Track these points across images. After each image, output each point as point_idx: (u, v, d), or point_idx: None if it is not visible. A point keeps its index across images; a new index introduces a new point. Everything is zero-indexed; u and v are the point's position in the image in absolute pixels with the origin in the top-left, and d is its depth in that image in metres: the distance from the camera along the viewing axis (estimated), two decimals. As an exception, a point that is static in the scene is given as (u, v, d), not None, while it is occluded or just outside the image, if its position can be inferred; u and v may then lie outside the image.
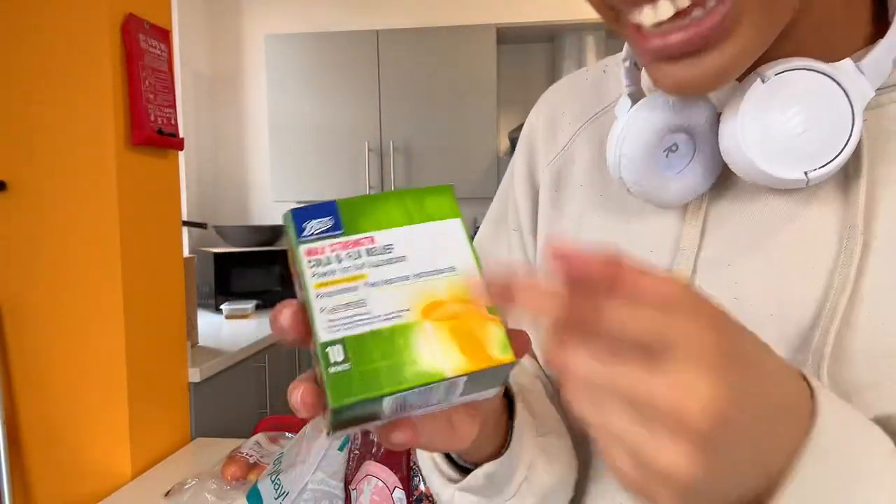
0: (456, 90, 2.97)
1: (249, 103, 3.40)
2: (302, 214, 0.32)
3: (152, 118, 1.46)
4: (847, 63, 0.36)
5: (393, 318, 0.30)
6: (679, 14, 0.34)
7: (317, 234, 0.31)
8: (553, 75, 3.17)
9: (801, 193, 0.40)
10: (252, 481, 1.28)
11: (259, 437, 1.45)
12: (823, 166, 0.36)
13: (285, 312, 0.30)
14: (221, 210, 3.44)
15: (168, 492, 1.31)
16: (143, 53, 1.44)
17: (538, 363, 0.53)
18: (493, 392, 0.34)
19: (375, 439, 1.00)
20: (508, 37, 3.12)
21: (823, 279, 0.38)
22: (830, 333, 0.36)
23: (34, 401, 1.46)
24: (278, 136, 3.07)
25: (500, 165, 3.26)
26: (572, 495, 0.48)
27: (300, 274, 0.31)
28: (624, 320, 0.25)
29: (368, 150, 3.03)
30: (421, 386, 0.29)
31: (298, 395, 0.29)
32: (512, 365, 0.30)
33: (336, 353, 0.29)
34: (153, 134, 1.45)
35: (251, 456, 1.36)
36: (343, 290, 0.30)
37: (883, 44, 0.36)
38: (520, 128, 2.90)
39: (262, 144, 3.39)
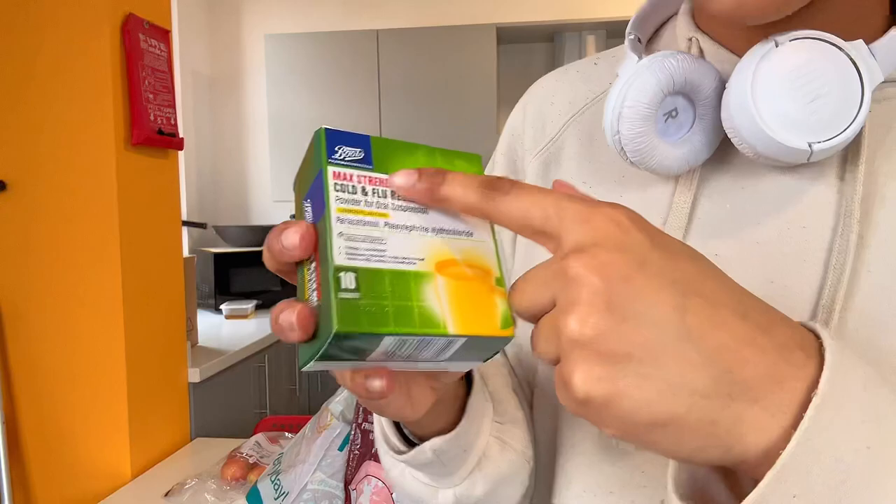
0: (456, 90, 2.97)
1: (249, 103, 3.40)
2: (335, 137, 0.31)
3: (152, 118, 1.46)
4: (860, 43, 0.35)
5: (408, 262, 0.30)
6: None
7: (347, 160, 0.31)
8: (553, 75, 3.18)
9: (799, 173, 0.39)
10: (252, 481, 1.28)
11: (259, 437, 1.45)
12: (829, 140, 0.35)
13: (294, 232, 0.29)
14: (221, 210, 3.44)
15: (168, 492, 1.31)
16: (142, 53, 1.44)
17: (505, 355, 0.53)
18: (474, 365, 0.34)
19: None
20: (508, 37, 3.12)
21: (819, 269, 0.37)
22: (833, 319, 0.36)
23: (34, 401, 1.46)
24: (278, 136, 3.07)
25: (500, 165, 3.26)
26: (528, 486, 0.48)
27: (324, 193, 0.30)
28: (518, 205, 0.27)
29: (368, 150, 3.03)
30: (423, 335, 0.28)
31: (294, 315, 0.28)
32: (508, 340, 0.30)
33: (348, 280, 0.28)
34: (153, 134, 1.45)
35: (251, 456, 1.36)
36: (364, 223, 0.30)
37: (894, 32, 0.36)
38: (520, 128, 2.91)
39: (262, 144, 3.39)
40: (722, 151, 0.42)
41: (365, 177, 0.31)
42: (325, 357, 0.29)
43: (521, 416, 0.47)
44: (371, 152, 0.31)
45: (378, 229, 0.30)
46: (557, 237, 0.26)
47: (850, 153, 0.38)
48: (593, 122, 0.50)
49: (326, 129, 0.31)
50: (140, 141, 1.43)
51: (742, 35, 0.41)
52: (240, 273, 2.87)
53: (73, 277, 1.42)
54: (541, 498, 0.49)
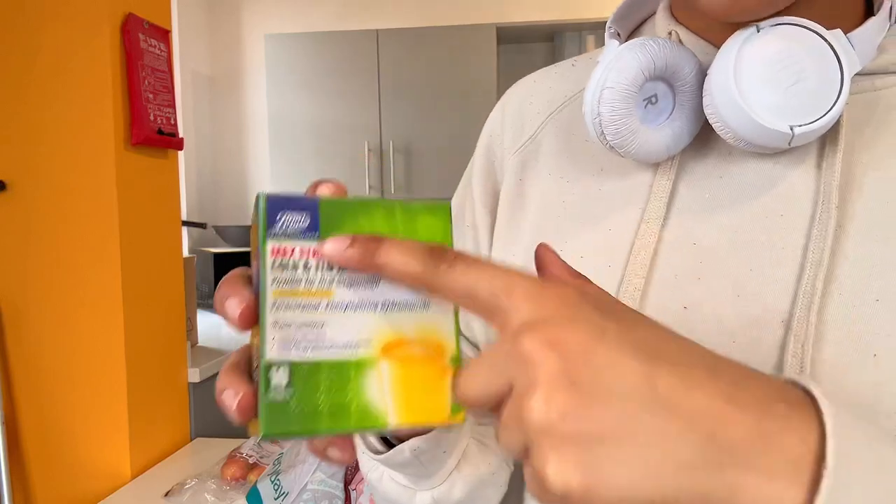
0: (456, 90, 2.97)
1: (249, 103, 3.40)
2: (277, 203, 0.28)
3: (152, 118, 1.46)
4: (838, 32, 0.36)
5: (349, 349, 0.27)
6: None
7: (290, 231, 0.28)
8: (553, 75, 3.18)
9: (778, 160, 0.40)
10: (252, 481, 1.28)
11: (259, 437, 1.45)
12: (810, 123, 0.36)
13: (235, 305, 0.27)
14: (221, 210, 3.44)
15: (168, 492, 1.31)
16: (142, 53, 1.44)
17: (478, 349, 0.52)
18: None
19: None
20: (508, 37, 3.12)
21: (797, 256, 0.38)
22: (812, 313, 0.36)
23: (34, 401, 1.46)
24: (278, 136, 3.07)
25: (500, 165, 3.26)
26: (505, 491, 0.47)
27: (261, 272, 0.27)
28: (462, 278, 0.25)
29: (368, 150, 3.03)
30: (361, 429, 0.27)
31: (235, 401, 0.27)
32: (460, 426, 0.29)
33: (279, 377, 0.26)
34: (153, 134, 1.45)
35: (251, 456, 1.36)
36: (303, 307, 0.27)
37: (872, 21, 0.37)
38: (520, 128, 2.91)
39: (261, 144, 3.39)
40: (701, 139, 0.42)
41: (308, 249, 0.28)
42: (268, 439, 0.27)
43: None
44: (318, 218, 0.28)
45: (318, 313, 0.27)
46: (505, 314, 0.25)
47: (828, 142, 0.38)
48: (571, 119, 0.49)
49: (268, 195, 0.28)
50: (140, 141, 1.43)
51: (720, 30, 0.41)
52: (240, 273, 2.87)
53: (72, 277, 1.42)
54: (512, 501, 0.49)
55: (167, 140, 1.50)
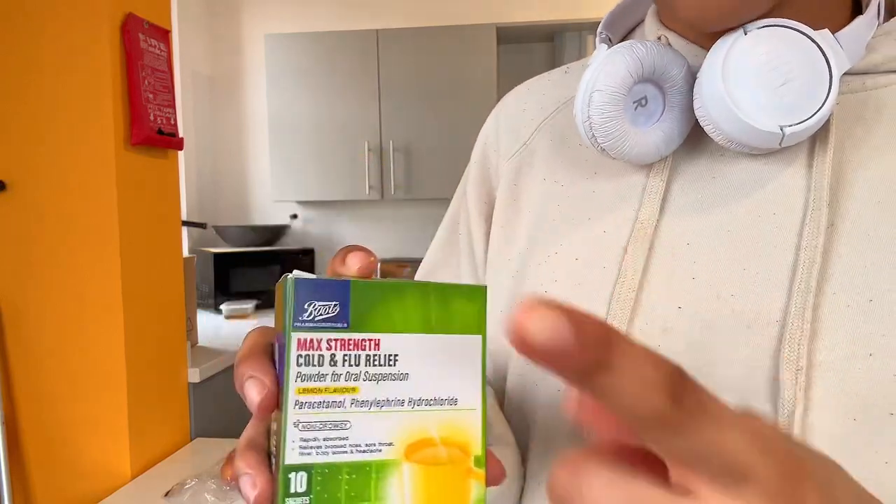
0: (456, 90, 2.97)
1: (249, 103, 3.40)
2: (306, 289, 0.26)
3: (152, 118, 1.46)
4: (826, 32, 0.37)
5: (373, 451, 0.26)
6: None
7: (318, 320, 0.26)
8: (553, 75, 3.18)
9: (769, 160, 0.40)
10: (252, 481, 1.28)
11: (259, 437, 1.45)
12: (800, 123, 0.36)
13: (256, 391, 0.26)
14: (221, 210, 3.44)
15: (168, 492, 1.31)
16: (142, 53, 1.44)
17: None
18: None
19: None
20: (508, 37, 3.12)
21: (790, 255, 0.38)
22: (806, 311, 0.36)
23: (34, 401, 1.46)
24: (278, 136, 3.07)
25: (500, 165, 3.26)
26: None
27: (285, 364, 0.26)
28: (710, 441, 0.18)
29: (368, 149, 3.03)
30: None
31: (252, 492, 0.26)
32: None
33: (299, 483, 0.25)
34: (153, 134, 1.45)
35: (251, 456, 1.36)
36: (327, 404, 0.26)
37: (859, 20, 0.37)
38: (520, 128, 2.91)
39: (262, 144, 3.39)
40: (693, 140, 0.42)
41: (336, 341, 0.26)
42: None
43: (511, 439, 0.47)
44: (349, 305, 0.26)
45: (342, 411, 0.26)
46: (732, 486, 0.19)
47: (818, 141, 0.38)
48: (564, 124, 0.50)
49: (297, 279, 0.26)
50: (140, 141, 1.43)
51: (708, 33, 0.41)
52: (240, 273, 2.87)
53: (73, 277, 1.42)
54: None
55: (167, 140, 1.50)
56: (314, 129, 3.05)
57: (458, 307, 0.28)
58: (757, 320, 0.37)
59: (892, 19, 0.40)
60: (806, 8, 0.39)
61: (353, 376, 0.26)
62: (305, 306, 0.26)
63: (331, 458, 0.26)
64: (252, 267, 2.91)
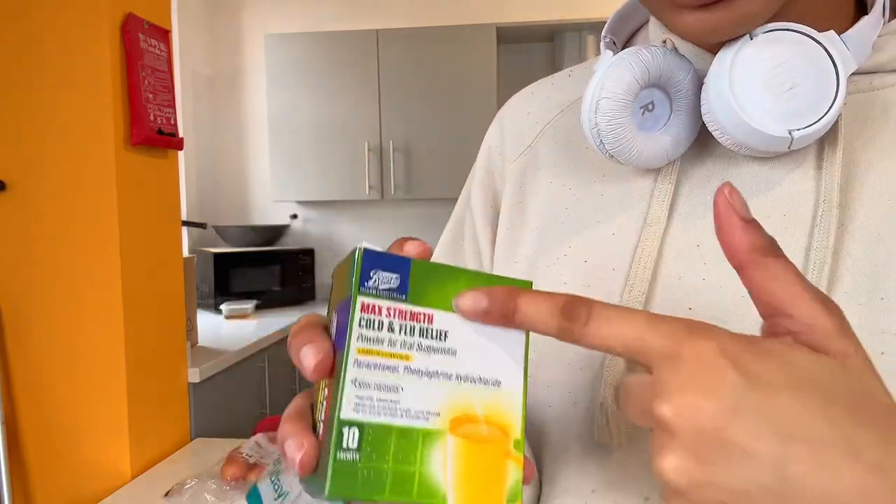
0: (456, 90, 2.97)
1: (249, 103, 3.40)
2: (373, 259, 0.28)
3: (152, 118, 1.46)
4: (832, 33, 0.37)
5: (420, 418, 0.28)
6: None
7: (381, 289, 0.28)
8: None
9: (777, 162, 0.40)
10: (252, 481, 1.28)
11: (259, 437, 1.45)
12: (808, 126, 0.36)
13: (313, 355, 0.28)
14: (221, 210, 3.44)
15: (168, 492, 1.31)
16: (142, 53, 1.44)
17: None
18: None
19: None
20: (508, 37, 3.12)
21: (801, 256, 0.38)
22: None
23: (34, 401, 1.46)
24: (278, 136, 3.07)
25: (500, 165, 3.26)
26: None
27: (348, 327, 0.27)
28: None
29: (368, 149, 3.03)
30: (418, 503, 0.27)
31: (298, 454, 0.27)
32: None
33: (351, 437, 0.26)
34: (153, 134, 1.45)
35: (251, 456, 1.36)
36: (383, 367, 0.27)
37: (865, 20, 0.37)
38: (520, 128, 2.91)
39: (262, 144, 3.39)
40: (700, 143, 0.42)
41: (395, 310, 0.28)
42: (332, 500, 0.27)
43: (528, 453, 0.47)
44: (408, 280, 0.29)
45: (396, 376, 0.28)
46: (646, 364, 0.25)
47: (827, 142, 0.38)
48: (569, 126, 0.50)
49: (366, 249, 0.28)
50: (140, 141, 1.43)
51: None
52: (240, 273, 2.87)
53: (73, 277, 1.42)
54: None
55: (167, 140, 1.50)
56: (314, 129, 3.05)
57: None
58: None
59: None
60: (809, 10, 0.39)
61: (408, 345, 0.28)
62: (371, 274, 0.28)
63: (382, 419, 0.27)
64: (252, 267, 2.91)
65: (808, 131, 0.36)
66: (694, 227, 0.41)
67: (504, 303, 0.28)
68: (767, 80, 0.36)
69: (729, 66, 0.37)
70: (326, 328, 0.30)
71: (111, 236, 1.40)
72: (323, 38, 3.02)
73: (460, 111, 2.97)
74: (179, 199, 1.64)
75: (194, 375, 1.73)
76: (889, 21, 0.40)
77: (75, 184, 1.40)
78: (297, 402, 0.30)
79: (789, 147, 0.37)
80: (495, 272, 0.52)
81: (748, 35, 0.37)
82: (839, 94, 0.36)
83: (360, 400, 0.27)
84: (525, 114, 0.53)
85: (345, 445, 0.26)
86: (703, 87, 0.39)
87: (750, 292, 0.27)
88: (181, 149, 1.58)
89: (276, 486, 1.09)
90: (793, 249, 0.38)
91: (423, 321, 0.29)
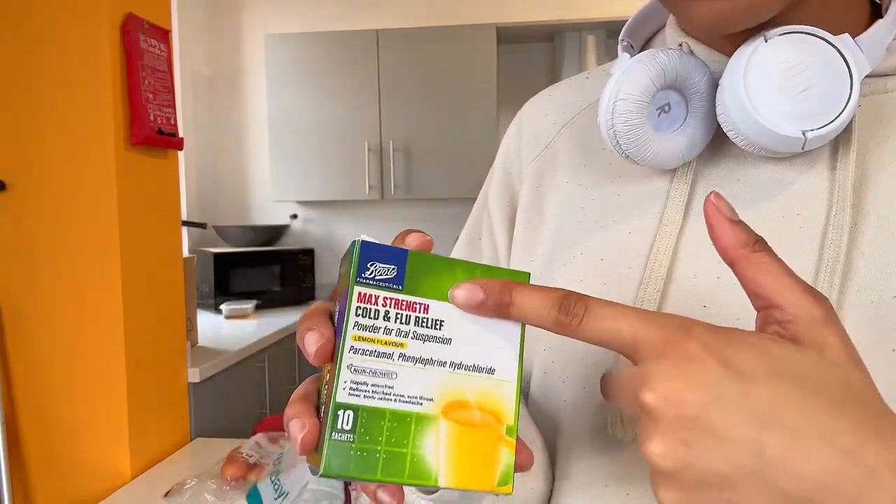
0: (456, 90, 2.97)
1: (249, 103, 3.40)
2: (370, 251, 0.30)
3: (152, 118, 1.46)
4: (846, 36, 0.37)
5: (414, 403, 0.29)
6: None
7: (378, 279, 0.30)
8: (553, 75, 3.17)
9: (791, 163, 0.40)
10: (252, 481, 1.28)
11: (259, 437, 1.45)
12: (821, 127, 0.36)
13: (314, 340, 0.29)
14: (221, 210, 3.44)
15: (168, 492, 1.31)
16: (142, 53, 1.44)
17: None
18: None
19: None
20: (508, 37, 3.12)
21: (814, 254, 0.38)
22: (831, 301, 0.36)
23: (34, 401, 1.46)
24: (278, 136, 3.07)
25: (500, 165, 3.26)
26: None
27: (345, 316, 0.29)
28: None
29: (368, 149, 3.03)
30: (411, 483, 0.28)
31: (300, 433, 0.29)
32: (508, 495, 0.30)
33: (345, 420, 0.28)
34: (153, 134, 1.45)
35: (251, 456, 1.36)
36: (378, 354, 0.29)
37: (880, 24, 0.38)
38: (520, 128, 2.91)
39: (262, 144, 3.39)
40: (716, 144, 0.43)
41: (391, 299, 0.30)
42: (325, 476, 0.29)
43: (540, 442, 0.47)
44: (405, 270, 0.30)
45: (391, 362, 0.29)
46: (635, 358, 0.28)
47: (841, 143, 0.39)
48: (586, 128, 0.51)
49: (364, 242, 0.30)
50: (140, 141, 1.43)
51: (728, 39, 0.42)
52: (240, 273, 2.87)
53: (73, 277, 1.42)
54: None
55: (167, 140, 1.50)
56: (314, 129, 3.05)
57: None
58: None
59: None
60: (823, 12, 0.40)
61: (403, 333, 0.29)
62: (368, 265, 0.29)
63: (376, 403, 0.28)
64: (252, 267, 2.91)
65: (822, 132, 0.36)
66: (703, 231, 0.42)
67: (499, 295, 0.29)
68: (782, 82, 0.37)
69: (744, 67, 0.37)
70: (332, 316, 0.31)
71: (111, 236, 1.40)
72: (323, 38, 3.02)
73: (460, 111, 2.97)
74: (179, 199, 1.64)
75: (194, 375, 1.73)
76: None
77: (75, 184, 1.40)
78: (304, 386, 0.32)
79: (803, 147, 0.37)
80: (514, 257, 0.52)
81: (763, 37, 0.37)
82: (853, 95, 0.36)
83: (355, 385, 0.28)
84: (543, 116, 0.54)
85: (339, 427, 0.28)
86: (718, 89, 0.39)
87: (743, 286, 0.29)
88: (181, 149, 1.58)
89: (276, 486, 1.09)
90: (806, 248, 0.39)
91: (419, 311, 0.30)
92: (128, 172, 1.43)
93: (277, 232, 3.17)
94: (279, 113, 3.06)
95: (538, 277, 0.49)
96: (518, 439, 0.31)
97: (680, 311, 0.41)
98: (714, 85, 0.41)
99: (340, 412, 0.28)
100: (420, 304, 0.30)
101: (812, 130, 0.36)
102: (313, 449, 0.29)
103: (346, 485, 1.05)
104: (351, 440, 0.28)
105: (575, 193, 0.49)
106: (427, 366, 0.29)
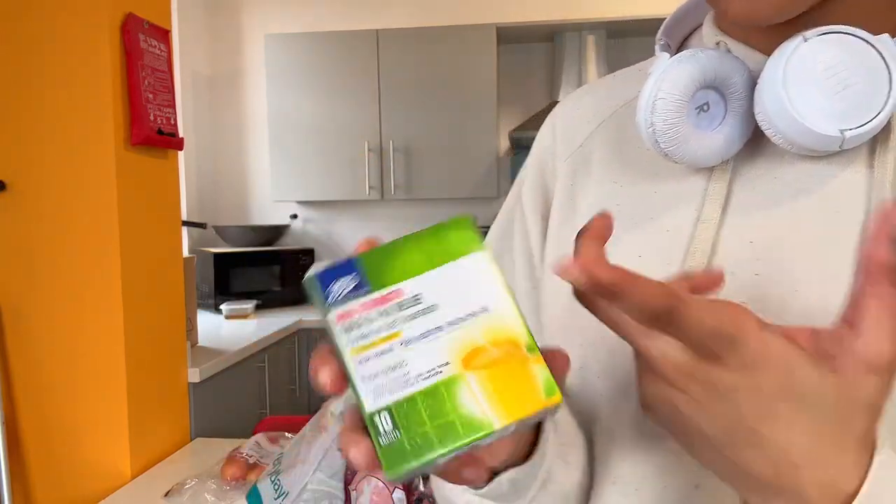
0: (456, 90, 2.97)
1: (249, 103, 3.40)
2: (326, 276, 0.31)
3: (152, 118, 1.46)
4: (885, 37, 0.37)
5: (434, 374, 0.29)
6: None
7: (344, 294, 0.31)
8: (553, 75, 3.17)
9: (829, 161, 0.41)
10: (252, 481, 1.28)
11: (259, 437, 1.45)
12: (860, 126, 0.37)
13: (325, 374, 0.30)
14: (221, 210, 3.44)
15: (168, 492, 1.31)
16: (142, 53, 1.44)
17: None
18: (540, 418, 0.34)
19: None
20: (508, 37, 3.12)
21: (852, 252, 0.39)
22: None
23: (34, 401, 1.46)
24: (278, 136, 3.07)
25: (499, 165, 3.26)
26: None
27: (333, 341, 0.30)
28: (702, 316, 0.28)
29: (368, 149, 3.03)
30: (473, 442, 0.29)
31: (360, 457, 0.29)
32: (558, 406, 0.30)
33: (384, 422, 0.29)
34: (153, 134, 1.45)
35: (251, 456, 1.36)
36: (380, 353, 0.30)
37: None
38: (520, 128, 2.90)
39: (262, 144, 3.39)
40: (754, 142, 0.43)
41: (368, 301, 0.30)
42: (398, 480, 0.30)
43: (580, 441, 0.48)
44: (364, 272, 0.31)
45: (395, 353, 0.30)
46: (732, 353, 0.29)
47: (879, 141, 0.39)
48: (621, 126, 0.51)
49: (316, 273, 0.31)
50: (140, 141, 1.43)
51: (764, 37, 0.43)
52: (240, 273, 2.87)
53: (73, 277, 1.42)
54: None
55: (167, 140, 1.50)
56: (314, 129, 3.05)
57: (452, 237, 0.32)
58: (821, 316, 0.39)
59: None
60: (863, 10, 0.40)
61: (391, 324, 0.30)
62: (330, 288, 0.31)
63: (403, 393, 0.29)
64: (252, 267, 2.91)
65: (860, 131, 0.37)
66: (746, 224, 0.42)
67: (615, 281, 0.30)
68: (820, 81, 0.37)
69: (783, 66, 0.38)
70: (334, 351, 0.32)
71: (111, 236, 1.40)
72: (323, 38, 3.02)
73: (460, 111, 2.97)
74: (179, 199, 1.64)
75: (194, 375, 1.73)
76: None
77: (75, 184, 1.40)
78: (347, 418, 0.33)
79: (841, 146, 0.38)
80: (546, 268, 0.53)
81: (802, 36, 0.38)
82: (891, 95, 0.37)
83: (375, 389, 0.29)
84: (577, 113, 0.55)
85: (382, 431, 0.29)
86: (757, 88, 0.40)
87: (852, 294, 0.30)
88: (181, 149, 1.58)
89: (276, 486, 1.09)
90: (844, 247, 0.39)
91: (395, 297, 0.31)
92: (128, 172, 1.43)
93: (277, 232, 3.17)
94: (279, 113, 3.06)
95: None
96: (545, 350, 0.31)
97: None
98: (752, 84, 0.42)
99: (376, 418, 0.29)
100: (392, 291, 0.31)
101: (850, 129, 0.37)
102: (378, 463, 0.29)
103: (346, 484, 1.05)
104: (398, 436, 0.29)
105: (609, 191, 0.49)
106: (427, 337, 0.30)
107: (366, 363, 0.29)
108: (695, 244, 0.43)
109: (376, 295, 0.31)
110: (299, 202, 3.37)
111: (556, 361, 0.31)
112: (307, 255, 3.10)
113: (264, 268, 2.95)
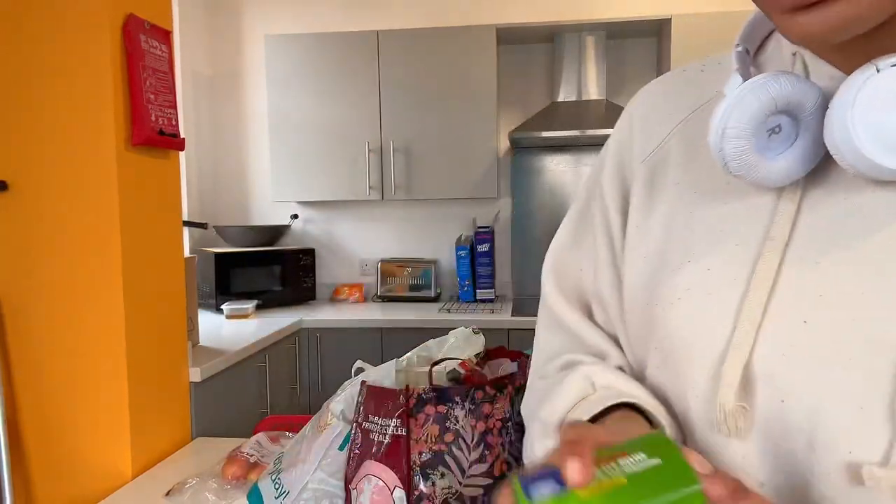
0: (456, 91, 2.97)
1: (250, 103, 3.41)
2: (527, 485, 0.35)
3: (153, 118, 1.46)
4: None
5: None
6: None
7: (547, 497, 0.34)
8: (553, 76, 3.18)
9: None
10: (252, 481, 1.28)
11: (259, 436, 1.45)
12: None
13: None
14: (222, 210, 3.45)
15: (168, 491, 1.31)
16: (143, 54, 1.44)
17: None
18: None
19: (375, 438, 1.00)
20: (508, 37, 3.13)
21: None
22: None
23: (35, 401, 1.46)
24: (278, 136, 3.07)
25: (499, 165, 3.26)
26: None
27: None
28: None
29: (368, 150, 3.03)
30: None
31: None
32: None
33: None
34: (154, 134, 1.45)
35: (251, 456, 1.36)
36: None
37: None
38: (520, 128, 2.91)
39: (262, 144, 3.39)
40: (824, 165, 0.44)
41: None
42: None
43: (669, 420, 0.51)
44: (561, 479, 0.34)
45: None
46: None
47: None
48: (697, 130, 0.52)
49: (519, 477, 0.35)
50: (141, 141, 1.43)
51: (839, 49, 0.43)
52: (240, 273, 2.87)
53: (74, 278, 1.42)
54: None
55: (168, 141, 1.51)
56: (314, 129, 3.06)
57: (664, 474, 0.35)
58: (878, 346, 0.39)
59: None
60: None
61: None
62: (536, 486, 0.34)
63: None
64: (253, 267, 2.91)
65: None
66: (814, 245, 0.42)
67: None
68: (889, 114, 0.37)
69: (853, 96, 0.38)
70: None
71: (112, 237, 1.41)
72: (323, 39, 3.02)
73: (460, 112, 2.98)
74: (180, 199, 1.64)
75: (195, 375, 1.74)
76: None
77: (76, 184, 1.41)
78: None
79: None
80: (626, 269, 0.54)
81: (874, 67, 0.38)
82: None
83: None
84: (654, 109, 0.55)
85: None
86: (827, 115, 0.40)
87: None
88: (182, 149, 1.58)
89: (277, 485, 1.09)
90: None
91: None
92: (129, 173, 1.44)
93: (278, 232, 3.17)
94: (279, 113, 3.06)
95: (646, 283, 0.51)
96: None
97: (780, 323, 0.42)
98: (825, 105, 0.42)
99: None
100: None
101: None
102: None
103: (346, 484, 1.05)
104: None
105: (683, 198, 0.50)
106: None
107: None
108: (762, 260, 0.44)
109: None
110: (300, 202, 3.37)
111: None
112: (308, 255, 3.10)
113: (265, 268, 2.95)
